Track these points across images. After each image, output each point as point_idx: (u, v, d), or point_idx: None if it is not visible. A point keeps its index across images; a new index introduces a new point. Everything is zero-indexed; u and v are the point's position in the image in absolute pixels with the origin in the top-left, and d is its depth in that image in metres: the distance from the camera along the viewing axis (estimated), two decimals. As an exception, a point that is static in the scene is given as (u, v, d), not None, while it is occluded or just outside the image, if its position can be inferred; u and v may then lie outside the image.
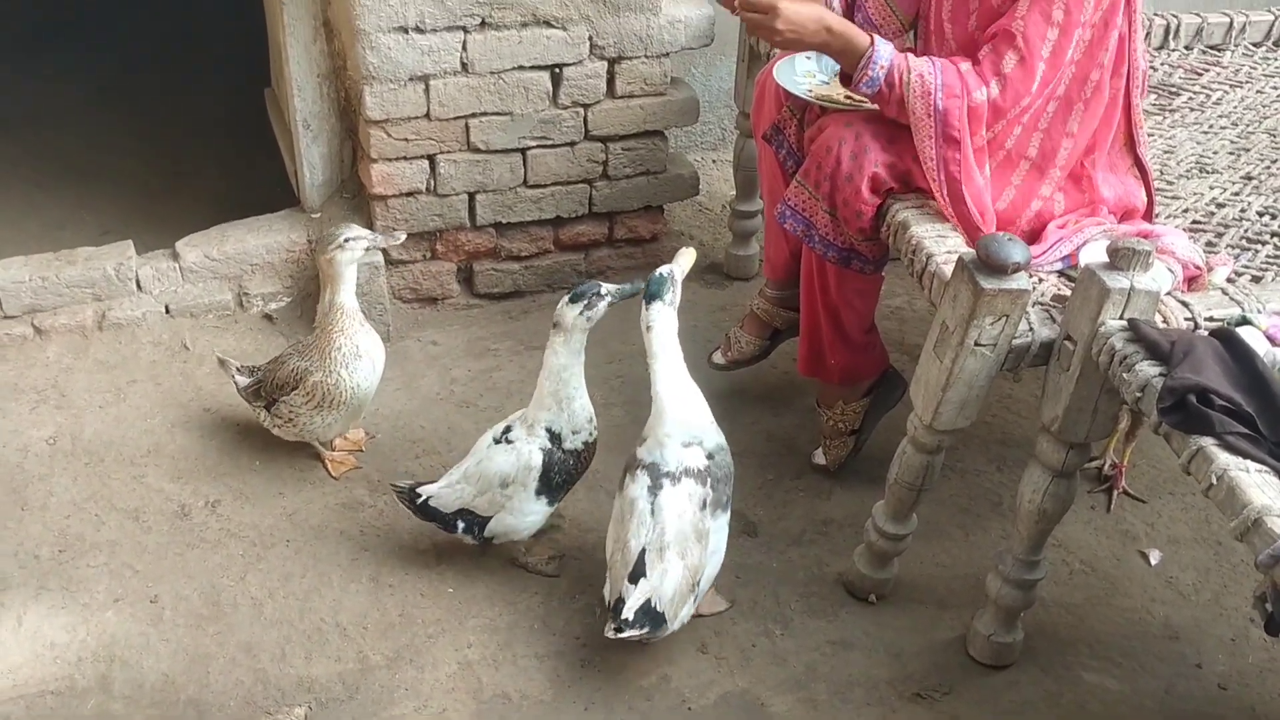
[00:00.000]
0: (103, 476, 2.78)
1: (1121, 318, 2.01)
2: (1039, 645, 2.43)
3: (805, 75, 2.58)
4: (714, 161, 4.11)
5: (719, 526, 2.34)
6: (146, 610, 2.46)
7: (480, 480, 2.42)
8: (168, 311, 3.20)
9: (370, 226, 3.23)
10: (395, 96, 3.03)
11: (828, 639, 2.45)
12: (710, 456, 2.35)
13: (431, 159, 3.16)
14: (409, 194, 3.18)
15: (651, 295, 2.32)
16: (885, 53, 2.31)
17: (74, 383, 3.03)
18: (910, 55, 2.34)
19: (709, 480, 2.32)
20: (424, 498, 2.48)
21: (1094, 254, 2.21)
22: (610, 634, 2.23)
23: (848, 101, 2.48)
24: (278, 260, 3.27)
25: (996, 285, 2.04)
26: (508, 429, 2.48)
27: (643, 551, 2.24)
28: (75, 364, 3.08)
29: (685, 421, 2.34)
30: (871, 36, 2.34)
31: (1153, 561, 2.66)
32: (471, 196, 3.25)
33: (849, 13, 2.63)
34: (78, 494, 2.73)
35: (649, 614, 2.22)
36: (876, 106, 2.39)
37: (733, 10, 2.41)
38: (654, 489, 2.29)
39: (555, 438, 2.43)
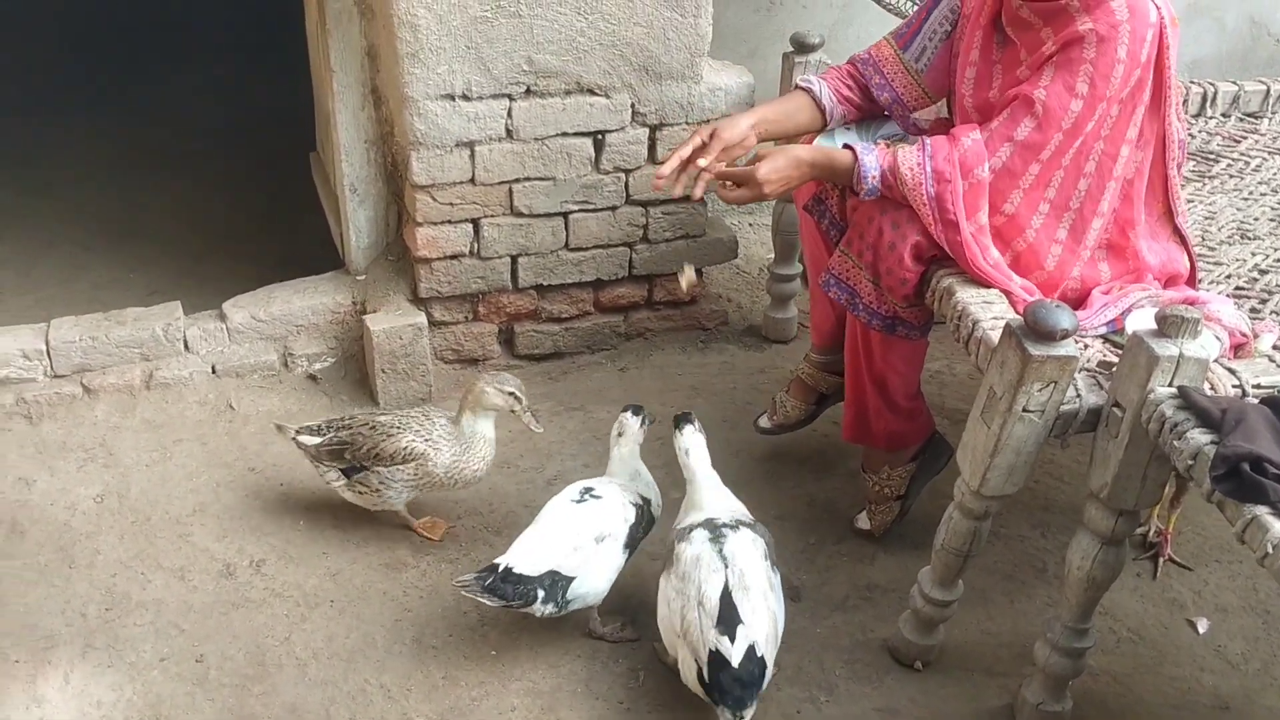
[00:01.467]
0: (149, 535, 2.81)
1: (1170, 385, 2.01)
2: (1088, 715, 2.40)
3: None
4: (750, 225, 4.14)
5: (778, 585, 2.35)
6: (192, 670, 2.47)
7: (576, 534, 2.43)
8: (214, 371, 3.25)
9: (414, 289, 3.28)
10: (441, 162, 3.08)
11: (873, 706, 2.43)
12: (753, 520, 2.41)
13: (475, 223, 3.20)
14: (453, 257, 3.23)
15: (683, 420, 2.55)
16: (871, 163, 2.40)
17: (121, 441, 3.07)
18: (900, 148, 2.41)
19: (762, 532, 2.37)
20: (504, 566, 2.38)
21: (1141, 321, 2.21)
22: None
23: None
24: (323, 321, 3.31)
25: (1045, 352, 2.05)
26: (588, 489, 2.54)
27: (726, 594, 2.22)
28: (123, 423, 3.12)
29: (723, 497, 2.50)
30: (853, 150, 2.42)
31: (1201, 630, 2.63)
32: (514, 259, 3.29)
33: (863, 97, 2.69)
34: (124, 553, 2.76)
35: (752, 661, 2.17)
36: None
37: (706, 184, 2.52)
38: (716, 539, 2.32)
39: (646, 502, 2.56)
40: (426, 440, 2.67)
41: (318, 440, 2.75)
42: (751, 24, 3.87)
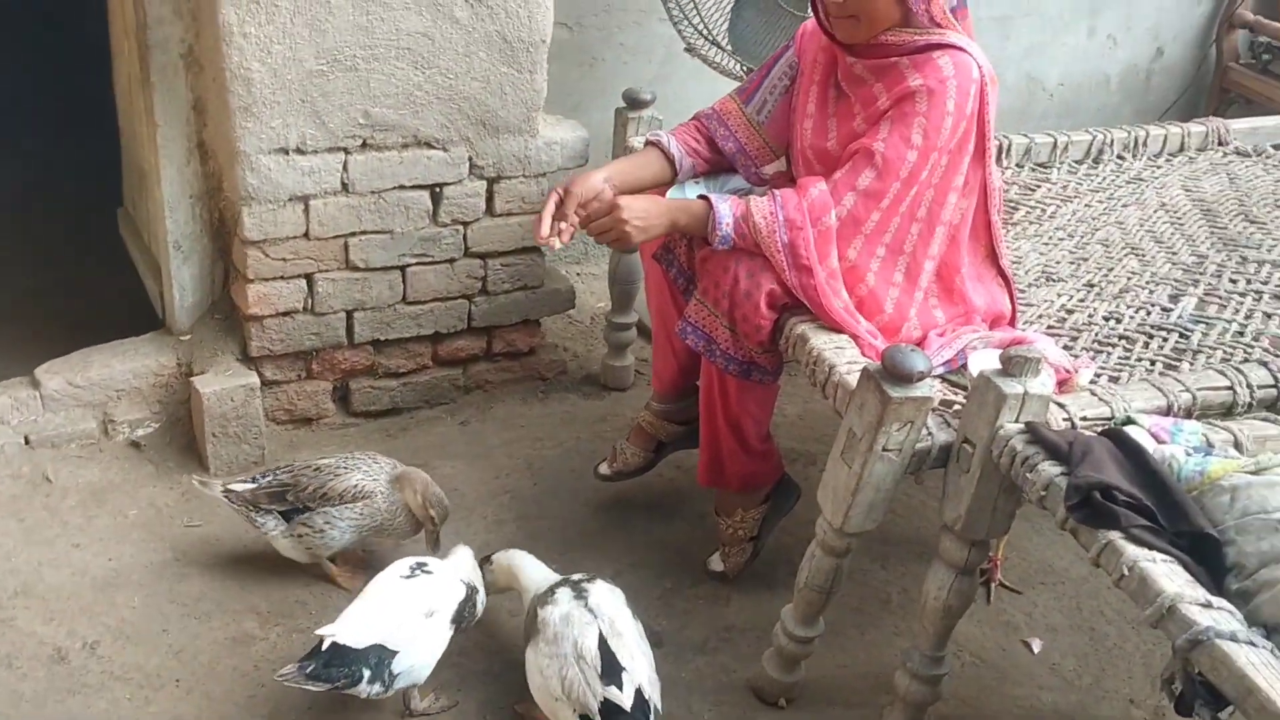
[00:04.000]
0: (-35, 622, 2.60)
1: (1017, 420, 2.15)
2: (943, 738, 2.52)
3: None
4: (579, 275, 4.18)
5: (642, 631, 2.38)
6: (28, 766, 2.30)
7: (404, 608, 2.36)
8: (27, 442, 3.04)
9: (244, 347, 3.17)
10: (274, 217, 3.00)
11: (744, 746, 2.48)
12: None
13: (309, 278, 3.13)
14: (286, 314, 3.14)
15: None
16: (725, 210, 2.49)
17: (-76, 522, 2.84)
18: (751, 198, 2.50)
19: (614, 584, 2.44)
20: (331, 641, 2.27)
21: (984, 362, 2.35)
22: None
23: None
24: (145, 385, 3.15)
25: (903, 393, 2.15)
26: (420, 564, 2.48)
27: (603, 643, 2.23)
28: (-75, 501, 2.89)
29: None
30: (708, 199, 2.51)
31: (1035, 650, 2.79)
32: (349, 314, 3.22)
33: (710, 149, 2.79)
34: (-63, 643, 2.54)
35: (643, 704, 2.18)
36: None
37: (571, 232, 2.55)
38: (579, 595, 2.34)
39: (474, 590, 2.51)
40: (374, 480, 2.66)
41: (253, 485, 2.67)
42: (574, 79, 3.93)
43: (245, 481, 2.71)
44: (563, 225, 2.53)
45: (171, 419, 3.18)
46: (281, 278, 3.09)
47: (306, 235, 3.06)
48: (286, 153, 2.94)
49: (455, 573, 2.50)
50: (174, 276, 3.15)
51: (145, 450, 3.14)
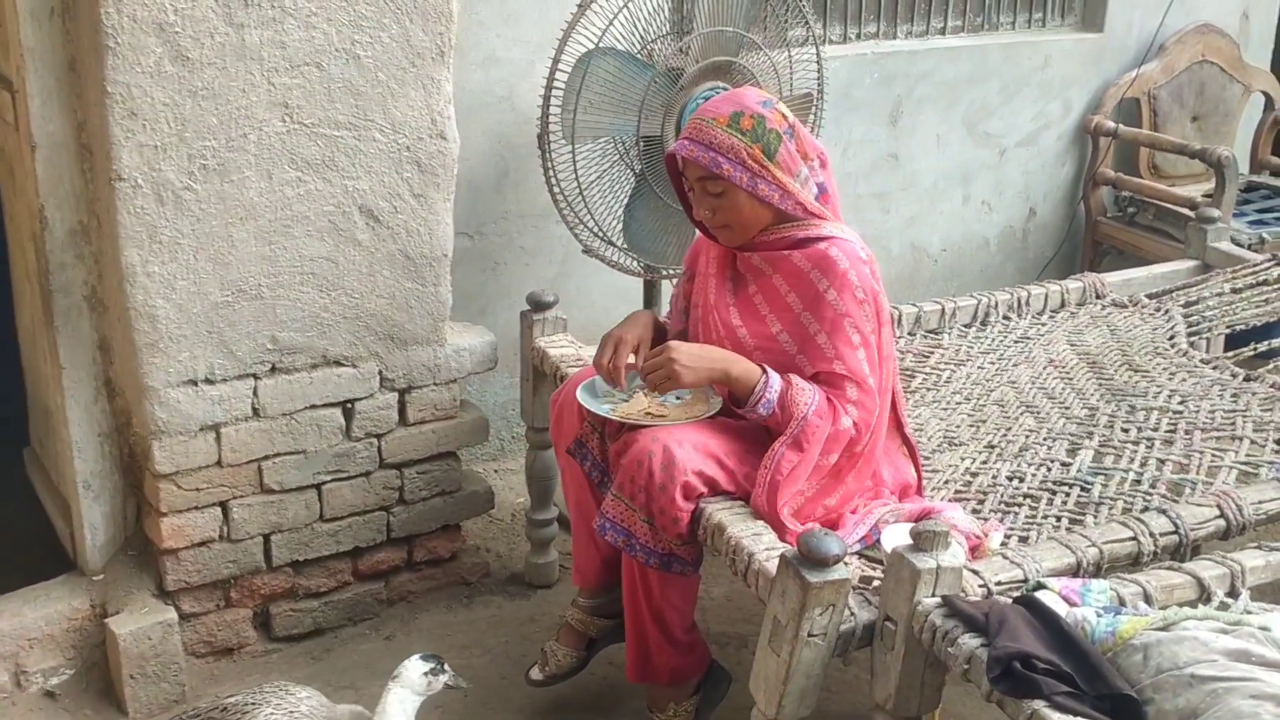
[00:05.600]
0: None
1: (934, 595, 2.20)
2: None
3: (605, 395, 2.76)
4: (496, 472, 4.20)
5: None
6: None
7: None
8: (-68, 703, 2.93)
9: (160, 582, 3.11)
10: (185, 448, 2.99)
11: None
12: None
13: (224, 505, 3.10)
14: (201, 544, 3.10)
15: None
16: (775, 383, 2.55)
17: None
18: (795, 378, 2.57)
19: None
20: None
21: (896, 537, 2.41)
22: None
23: (648, 419, 2.65)
24: (58, 631, 3.06)
25: (821, 578, 2.20)
26: None
27: None
28: None
29: None
30: (763, 367, 2.58)
31: (983, 818, 2.78)
32: (267, 538, 3.19)
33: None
34: None
35: None
36: (674, 421, 2.60)
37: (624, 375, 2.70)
38: None
39: None
40: (291, 715, 2.47)
41: None
42: (479, 283, 4.03)
43: None
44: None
45: (87, 664, 3.09)
46: (195, 508, 3.06)
47: (219, 463, 3.06)
48: (195, 384, 2.96)
49: None
50: (84, 516, 3.10)
51: (60, 699, 3.03)
